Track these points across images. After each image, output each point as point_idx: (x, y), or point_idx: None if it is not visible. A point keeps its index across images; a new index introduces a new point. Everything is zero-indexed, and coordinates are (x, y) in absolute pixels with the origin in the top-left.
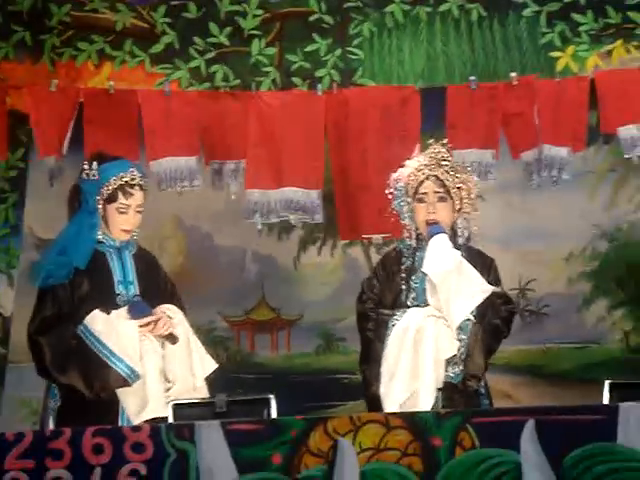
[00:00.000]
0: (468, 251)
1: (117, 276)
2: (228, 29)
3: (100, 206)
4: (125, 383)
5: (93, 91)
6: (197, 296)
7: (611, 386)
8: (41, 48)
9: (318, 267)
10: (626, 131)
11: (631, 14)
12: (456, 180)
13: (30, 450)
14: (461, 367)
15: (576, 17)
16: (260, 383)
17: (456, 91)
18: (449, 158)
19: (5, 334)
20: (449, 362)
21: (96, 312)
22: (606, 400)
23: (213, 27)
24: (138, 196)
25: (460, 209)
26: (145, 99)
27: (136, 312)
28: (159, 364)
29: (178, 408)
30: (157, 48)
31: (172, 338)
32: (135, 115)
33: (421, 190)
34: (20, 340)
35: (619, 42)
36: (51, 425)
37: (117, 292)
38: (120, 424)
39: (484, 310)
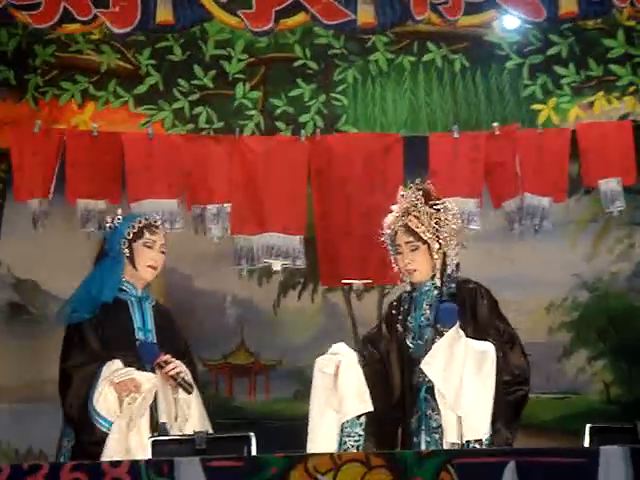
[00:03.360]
0: (464, 290)
1: (137, 323)
2: (212, 72)
3: (125, 246)
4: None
5: (77, 133)
6: None
7: (591, 430)
8: (24, 87)
9: (298, 312)
10: (606, 185)
11: (612, 67)
12: (428, 224)
13: None
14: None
15: (558, 70)
16: (237, 428)
17: (439, 139)
18: (419, 202)
19: None
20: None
21: (117, 361)
22: (587, 443)
23: (198, 70)
24: (162, 236)
25: (439, 249)
26: (128, 142)
27: (145, 353)
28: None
29: (157, 444)
30: (141, 89)
31: (187, 386)
32: (118, 158)
33: (396, 242)
34: None
35: (600, 94)
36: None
37: (137, 338)
38: None
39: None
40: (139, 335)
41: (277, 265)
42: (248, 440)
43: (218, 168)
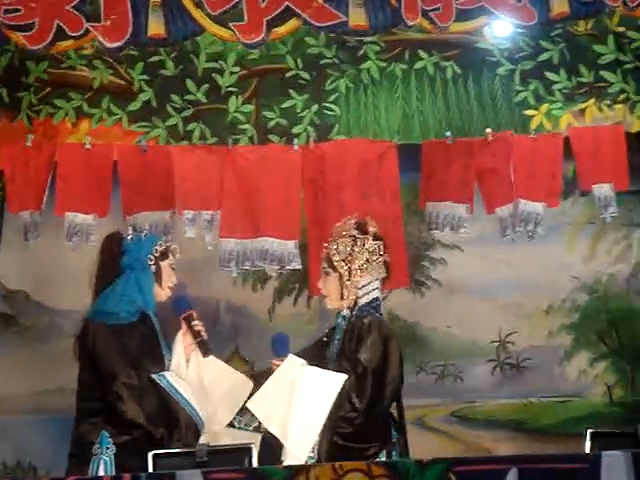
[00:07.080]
0: (360, 323)
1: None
2: (205, 86)
3: (152, 262)
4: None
5: (69, 146)
6: None
7: (593, 435)
8: (18, 105)
9: (293, 318)
10: (599, 190)
11: (603, 73)
12: (342, 252)
13: None
14: None
15: (550, 76)
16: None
17: (432, 145)
18: (343, 231)
19: None
20: None
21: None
22: (588, 449)
23: (190, 84)
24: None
25: (348, 279)
26: (121, 154)
27: (177, 304)
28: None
29: (158, 458)
30: (135, 105)
31: (205, 347)
32: (110, 170)
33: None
34: None
35: (592, 101)
36: (101, 471)
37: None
38: None
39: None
40: (164, 351)
41: (271, 269)
42: (249, 451)
43: (211, 177)
